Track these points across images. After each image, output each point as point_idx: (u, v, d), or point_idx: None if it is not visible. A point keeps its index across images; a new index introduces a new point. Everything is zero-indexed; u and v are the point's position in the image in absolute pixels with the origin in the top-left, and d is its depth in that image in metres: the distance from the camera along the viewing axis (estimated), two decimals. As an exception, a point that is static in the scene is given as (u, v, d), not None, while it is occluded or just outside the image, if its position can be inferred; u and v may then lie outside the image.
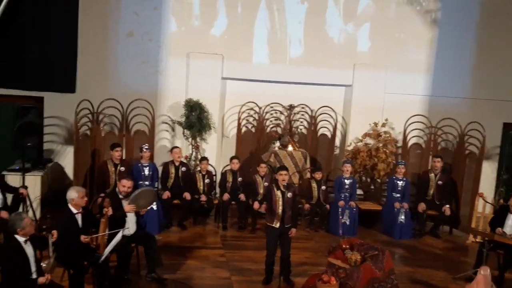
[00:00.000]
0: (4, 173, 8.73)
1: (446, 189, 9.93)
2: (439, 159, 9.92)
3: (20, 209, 7.65)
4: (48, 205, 9.10)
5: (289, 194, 6.90)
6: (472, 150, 10.48)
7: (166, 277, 6.93)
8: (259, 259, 7.55)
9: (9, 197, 7.80)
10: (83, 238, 6.08)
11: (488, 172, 10.78)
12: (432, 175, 9.94)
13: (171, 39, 10.42)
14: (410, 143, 10.92)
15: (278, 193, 6.89)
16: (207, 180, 9.60)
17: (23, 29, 9.39)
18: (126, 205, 6.72)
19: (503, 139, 11.08)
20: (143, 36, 10.30)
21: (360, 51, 11.01)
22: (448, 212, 9.66)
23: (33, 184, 8.87)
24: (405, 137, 10.84)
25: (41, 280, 5.20)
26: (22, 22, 9.39)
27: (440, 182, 9.86)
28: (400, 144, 10.92)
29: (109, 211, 6.47)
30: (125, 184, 6.86)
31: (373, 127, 10.65)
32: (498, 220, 7.72)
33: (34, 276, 5.22)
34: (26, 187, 8.08)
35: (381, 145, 10.45)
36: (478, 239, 8.85)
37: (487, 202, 9.33)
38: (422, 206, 9.68)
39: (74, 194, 6.19)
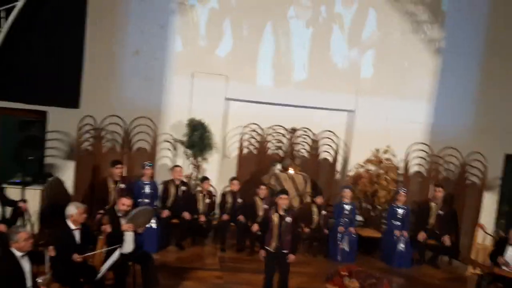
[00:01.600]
0: (4, 185, 8.67)
1: (447, 219, 9.86)
2: (440, 189, 9.87)
3: (19, 223, 7.60)
4: (47, 220, 9.05)
5: (288, 219, 6.87)
6: (473, 180, 10.46)
7: (162, 297, 6.87)
8: (256, 282, 7.47)
9: (8, 210, 7.76)
10: (76, 257, 6.00)
11: (489, 203, 10.71)
12: (433, 204, 9.90)
13: (176, 58, 10.48)
14: (411, 171, 10.91)
15: (276, 217, 6.86)
16: (207, 200, 9.56)
17: (30, 43, 9.42)
18: (124, 224, 6.70)
19: (504, 170, 11.04)
20: (149, 54, 10.36)
21: (364, 77, 11.08)
22: (448, 242, 9.58)
23: (33, 198, 8.83)
24: (406, 164, 10.83)
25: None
26: (29, 36, 9.44)
27: (441, 212, 9.81)
28: (401, 171, 10.90)
29: (107, 228, 6.44)
30: (125, 203, 6.85)
31: (375, 153, 10.64)
32: (498, 252, 7.68)
33: (29, 292, 5.18)
34: (25, 201, 8.05)
35: (382, 171, 10.44)
36: (478, 270, 8.77)
37: (487, 233, 9.28)
38: (422, 235, 9.61)
39: (73, 210, 6.18)
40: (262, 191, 9.51)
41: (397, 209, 9.73)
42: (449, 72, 11.03)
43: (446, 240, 9.56)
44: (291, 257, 6.92)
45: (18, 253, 5.15)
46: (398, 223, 9.66)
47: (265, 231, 7.06)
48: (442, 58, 11.07)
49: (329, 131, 10.83)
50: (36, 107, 9.76)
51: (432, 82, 11.13)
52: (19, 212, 7.84)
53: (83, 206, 6.46)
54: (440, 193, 9.85)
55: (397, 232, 9.49)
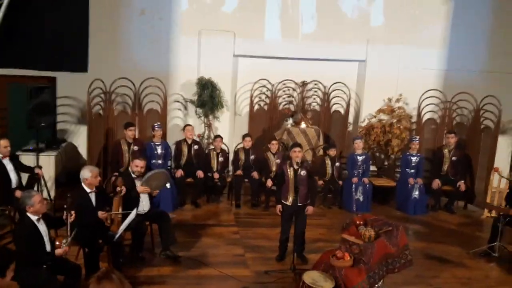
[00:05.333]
0: (18, 153, 8.79)
1: (460, 164, 9.86)
2: (452, 135, 9.82)
3: (35, 189, 7.71)
4: (63, 185, 9.18)
5: (303, 172, 6.87)
6: (488, 124, 10.34)
7: (181, 254, 6.97)
8: (272, 236, 7.58)
9: (24, 177, 7.86)
10: (101, 214, 6.13)
11: (504, 147, 10.62)
12: (446, 151, 9.86)
13: (182, 16, 10.34)
14: (424, 119, 10.81)
15: (291, 170, 6.86)
16: (221, 158, 9.60)
17: (35, 10, 9.38)
18: (139, 186, 6.77)
19: (519, 113, 10.91)
20: (154, 14, 10.23)
21: (374, 26, 10.83)
22: (463, 188, 9.60)
23: (47, 164, 8.95)
24: (419, 112, 10.72)
25: (59, 251, 5.27)
26: (34, 3, 9.38)
27: (454, 158, 9.79)
28: (414, 119, 10.80)
29: (122, 189, 6.51)
30: (138, 164, 6.90)
31: (387, 102, 10.54)
32: (513, 195, 7.65)
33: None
34: (40, 167, 8.16)
35: (395, 120, 10.36)
36: (493, 214, 8.77)
37: (502, 177, 9.23)
38: (436, 182, 9.62)
39: (87, 174, 6.23)
40: (274, 146, 9.51)
41: (411, 157, 9.71)
42: (461, 16, 10.75)
43: (461, 185, 9.57)
44: (310, 209, 6.95)
45: (33, 217, 5.22)
46: (412, 171, 9.66)
47: (279, 186, 7.09)
48: (453, 2, 10.77)
49: (340, 82, 10.70)
50: (45, 74, 9.78)
51: (444, 27, 10.87)
52: (35, 178, 7.97)
53: (97, 169, 6.53)
54: (452, 139, 9.80)
55: (411, 180, 9.50)
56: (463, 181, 9.64)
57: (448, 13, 10.80)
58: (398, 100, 10.51)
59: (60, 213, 5.82)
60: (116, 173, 8.34)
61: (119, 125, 9.67)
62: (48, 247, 5.29)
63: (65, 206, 5.75)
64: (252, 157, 9.65)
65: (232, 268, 6.75)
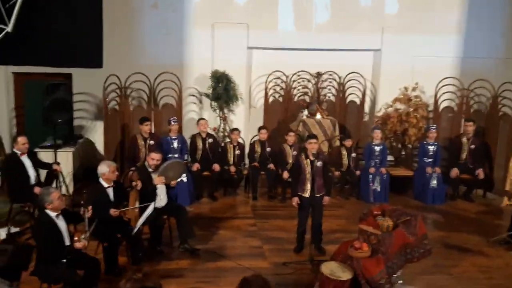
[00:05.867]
0: (36, 150, 8.88)
1: (479, 152, 9.75)
2: (471, 123, 9.72)
3: (54, 185, 7.79)
4: (80, 180, 9.26)
5: (319, 163, 6.85)
6: (506, 111, 10.20)
7: (199, 247, 7.01)
8: (290, 228, 7.57)
9: (42, 173, 7.94)
10: (112, 211, 6.15)
11: (523, 134, 10.49)
12: (464, 139, 9.76)
13: (195, 9, 10.32)
14: (441, 107, 10.69)
15: (307, 162, 6.84)
16: (237, 151, 9.61)
17: (49, 7, 9.42)
18: (156, 177, 6.79)
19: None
20: (167, 7, 10.22)
21: (388, 14, 10.71)
22: (481, 176, 9.50)
23: (65, 160, 9.03)
24: (436, 100, 10.61)
25: (78, 245, 5.31)
26: (47, 1, 9.44)
27: (472, 146, 9.68)
28: (431, 108, 10.69)
29: (138, 184, 6.54)
30: (154, 157, 6.94)
31: (403, 91, 10.44)
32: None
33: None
34: (58, 163, 8.23)
35: (411, 109, 10.25)
36: (513, 202, 8.69)
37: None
38: (455, 172, 9.53)
39: (105, 169, 6.27)
40: (291, 137, 9.48)
41: (428, 146, 9.63)
42: (477, 2, 10.60)
43: (480, 173, 9.47)
44: (326, 199, 6.95)
45: (52, 214, 5.27)
46: (430, 160, 9.59)
47: (295, 177, 7.07)
48: (468, -12, 10.63)
49: (355, 72, 10.62)
50: (61, 70, 9.84)
51: (460, 14, 10.71)
52: (53, 174, 8.04)
53: (114, 164, 6.58)
54: (471, 127, 9.69)
55: (429, 169, 9.43)
56: (481, 169, 9.53)
57: (463, 0, 10.64)
58: (414, 89, 10.41)
59: (78, 208, 5.86)
60: (133, 168, 8.38)
61: (135, 120, 9.71)
62: (67, 242, 5.34)
63: (81, 201, 5.81)
64: (268, 149, 9.63)
65: (250, 260, 6.77)
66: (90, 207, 5.67)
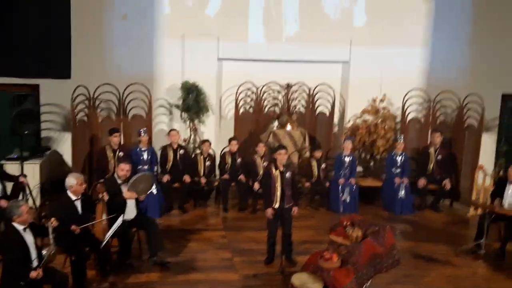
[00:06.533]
0: (2, 162, 8.71)
1: (446, 163, 9.94)
2: (438, 134, 9.91)
3: (20, 198, 7.64)
4: (48, 193, 9.10)
5: (288, 174, 6.88)
6: (471, 122, 10.41)
7: (169, 260, 6.95)
8: (260, 239, 7.55)
9: (9, 186, 7.79)
10: (74, 228, 5.98)
11: (488, 144, 10.69)
12: (431, 150, 9.94)
13: (165, 21, 10.29)
14: (409, 118, 10.86)
15: (277, 173, 6.87)
16: (208, 163, 9.59)
17: (17, 18, 9.31)
18: (126, 192, 6.72)
19: (502, 110, 11.01)
20: (137, 18, 10.16)
21: (356, 26, 10.86)
22: (448, 186, 9.68)
23: (32, 172, 8.88)
24: (403, 112, 10.77)
25: (33, 274, 5.10)
26: (15, 11, 9.31)
27: (439, 157, 9.87)
28: (399, 119, 10.85)
29: (104, 196, 6.47)
30: (124, 168, 6.88)
31: (372, 103, 10.58)
32: (498, 191, 7.71)
33: (35, 264, 5.23)
34: (25, 176, 8.08)
35: (380, 121, 10.40)
36: (479, 211, 8.84)
37: (487, 174, 9.31)
38: (422, 182, 9.69)
39: (72, 181, 6.19)
40: (261, 149, 9.52)
41: (396, 157, 9.78)
42: (443, 15, 10.82)
43: (447, 184, 9.65)
44: (296, 210, 6.99)
45: (20, 227, 5.18)
46: (398, 170, 9.73)
47: (266, 189, 7.08)
48: (435, 1, 10.84)
49: (325, 84, 10.73)
50: (28, 81, 9.70)
51: (426, 27, 10.92)
52: (19, 187, 7.89)
53: (82, 176, 6.48)
54: (438, 138, 9.88)
55: (397, 180, 9.57)
56: (448, 179, 9.72)
57: (429, 12, 10.87)
58: (382, 101, 10.56)
59: (45, 220, 5.78)
60: (102, 180, 8.27)
61: (104, 131, 9.61)
62: (34, 256, 5.24)
63: (43, 214, 5.73)
64: (238, 160, 9.64)
65: (221, 272, 6.76)
66: (53, 219, 5.58)
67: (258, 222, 8.48)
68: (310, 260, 5.87)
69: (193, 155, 9.79)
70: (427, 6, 10.81)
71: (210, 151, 9.76)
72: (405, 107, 10.74)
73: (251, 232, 8.30)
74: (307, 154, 10.11)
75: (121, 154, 9.02)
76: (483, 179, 9.34)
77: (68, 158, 9.90)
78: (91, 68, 9.88)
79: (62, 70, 9.73)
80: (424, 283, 6.67)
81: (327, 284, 5.40)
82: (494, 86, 10.70)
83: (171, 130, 9.68)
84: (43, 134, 10.05)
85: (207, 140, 9.71)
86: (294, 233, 7.11)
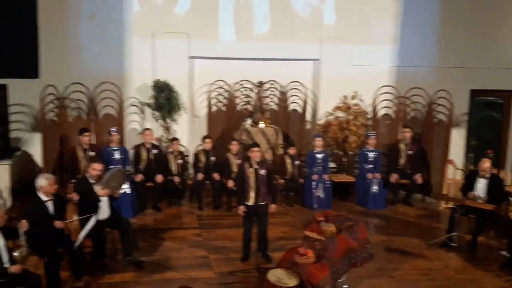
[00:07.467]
0: (-30, 164, 8.52)
1: (416, 158, 10.08)
2: (408, 129, 10.05)
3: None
4: (18, 195, 8.93)
5: (262, 171, 6.90)
6: (441, 118, 10.60)
7: (143, 259, 6.91)
8: (235, 237, 7.57)
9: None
10: (58, 223, 5.98)
11: (457, 139, 10.88)
12: (402, 145, 10.07)
13: (134, 19, 10.20)
14: (379, 114, 10.99)
15: (251, 170, 6.88)
16: (179, 161, 9.54)
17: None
18: (100, 190, 6.63)
19: (470, 105, 11.22)
20: (105, 17, 10.04)
21: (326, 24, 10.94)
22: (419, 181, 9.82)
23: (1, 173, 8.70)
24: (374, 108, 10.90)
25: (13, 268, 5.11)
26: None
27: (410, 152, 10.00)
28: (370, 115, 10.97)
29: (74, 196, 6.40)
30: (96, 168, 6.80)
31: (343, 100, 10.66)
32: (468, 185, 7.84)
33: (6, 265, 5.13)
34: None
35: (351, 117, 10.49)
36: (450, 205, 8.98)
37: (457, 168, 9.48)
38: (394, 177, 9.81)
39: (43, 182, 6.10)
40: (234, 147, 9.52)
41: (368, 153, 9.89)
42: (411, 13, 10.97)
43: (418, 178, 9.79)
44: (273, 207, 7.03)
45: (-9, 230, 5.09)
46: (370, 166, 9.83)
47: (240, 186, 7.09)
48: (403, 0, 10.98)
49: (297, 81, 10.78)
50: (-5, 81, 9.50)
51: (395, 25, 11.06)
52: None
53: (53, 176, 6.38)
54: (408, 133, 10.02)
55: (369, 175, 9.68)
56: (419, 174, 9.87)
57: (397, 10, 11.01)
58: (353, 97, 10.65)
59: (16, 222, 5.67)
60: (74, 180, 8.17)
61: (75, 131, 9.46)
62: (5, 259, 5.14)
63: (13, 215, 5.63)
64: (212, 158, 9.61)
65: (197, 271, 6.73)
66: (24, 221, 5.49)
67: (233, 220, 8.48)
68: (285, 256, 5.89)
69: (164, 154, 9.73)
70: (395, 5, 10.94)
71: (181, 149, 9.71)
72: (376, 103, 10.86)
73: (226, 230, 8.30)
74: (281, 151, 10.14)
75: (92, 153, 8.92)
76: (453, 173, 9.52)
77: (38, 158, 9.72)
78: (60, 68, 9.74)
79: (29, 70, 9.55)
80: (398, 276, 6.76)
81: (303, 279, 5.42)
82: (463, 82, 10.91)
83: (145, 129, 9.59)
84: (12, 135, 9.83)
85: (175, 138, 9.69)
86: (270, 230, 7.14)
